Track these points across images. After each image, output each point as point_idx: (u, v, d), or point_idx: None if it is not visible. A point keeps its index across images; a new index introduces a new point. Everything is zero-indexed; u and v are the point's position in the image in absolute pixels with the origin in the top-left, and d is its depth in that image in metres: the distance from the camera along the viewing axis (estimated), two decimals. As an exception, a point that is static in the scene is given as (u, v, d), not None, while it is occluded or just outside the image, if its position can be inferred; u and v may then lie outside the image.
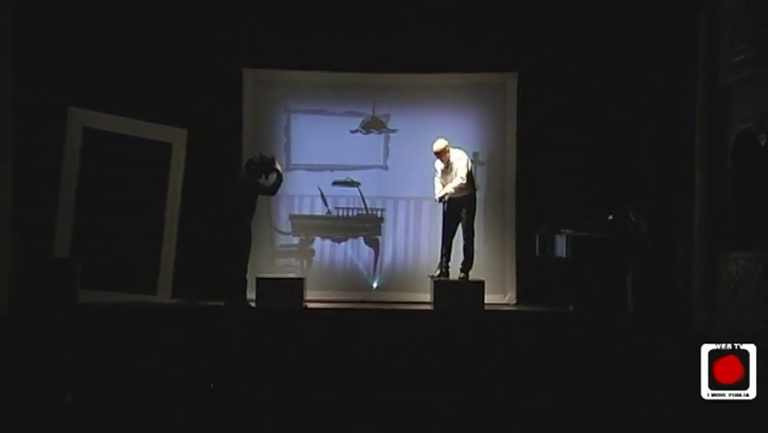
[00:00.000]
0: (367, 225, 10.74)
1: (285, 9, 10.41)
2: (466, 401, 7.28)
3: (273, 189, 9.71)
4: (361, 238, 10.75)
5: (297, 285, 9.64)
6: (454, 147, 9.77)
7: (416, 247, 10.72)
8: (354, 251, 10.76)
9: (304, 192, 10.75)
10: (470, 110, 10.73)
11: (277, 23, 10.45)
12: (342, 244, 10.77)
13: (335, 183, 10.69)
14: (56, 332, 8.53)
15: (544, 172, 10.48)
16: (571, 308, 9.55)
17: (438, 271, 9.79)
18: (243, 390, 7.56)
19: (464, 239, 9.75)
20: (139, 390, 7.37)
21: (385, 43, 10.44)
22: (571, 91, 10.42)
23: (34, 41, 9.62)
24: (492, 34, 10.47)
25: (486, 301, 9.58)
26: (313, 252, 10.74)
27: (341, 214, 10.74)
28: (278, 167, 9.73)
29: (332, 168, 10.69)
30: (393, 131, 10.75)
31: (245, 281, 9.48)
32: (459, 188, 9.61)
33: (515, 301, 10.43)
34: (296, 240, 10.76)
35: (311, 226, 10.76)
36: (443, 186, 9.75)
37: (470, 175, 9.69)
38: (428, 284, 9.92)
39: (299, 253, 10.74)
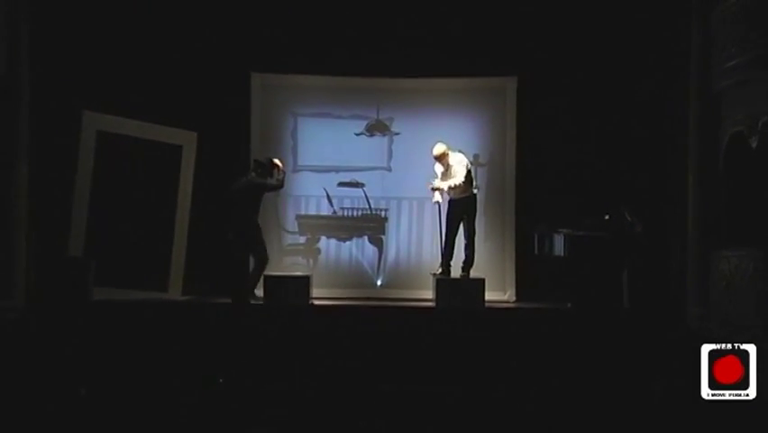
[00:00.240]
0: (371, 225, 10.80)
1: (292, 16, 10.46)
2: (467, 395, 7.37)
3: (279, 184, 9.81)
4: (366, 237, 10.81)
5: (303, 283, 9.74)
6: (454, 151, 9.85)
7: (418, 246, 10.75)
8: (359, 250, 10.82)
9: (310, 193, 10.81)
10: (470, 113, 10.79)
11: (284, 30, 10.50)
12: (348, 243, 10.84)
13: (341, 184, 10.76)
14: (71, 328, 8.60)
15: (543, 173, 10.51)
16: (569, 304, 9.59)
17: (440, 270, 9.86)
18: (252, 384, 7.65)
19: (465, 239, 9.81)
20: (149, 383, 7.54)
21: (388, 49, 10.48)
22: (568, 94, 10.45)
23: (50, 47, 9.70)
24: (492, 40, 10.52)
25: (486, 299, 9.62)
26: (319, 250, 10.81)
27: (346, 214, 10.79)
28: (278, 162, 9.81)
29: (337, 169, 10.77)
30: (396, 133, 10.81)
31: (257, 278, 9.59)
32: (453, 188, 9.67)
33: (514, 299, 10.47)
34: (302, 239, 10.82)
35: (317, 226, 10.83)
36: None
37: (468, 177, 9.74)
38: (430, 282, 9.98)
39: (306, 251, 10.80)
